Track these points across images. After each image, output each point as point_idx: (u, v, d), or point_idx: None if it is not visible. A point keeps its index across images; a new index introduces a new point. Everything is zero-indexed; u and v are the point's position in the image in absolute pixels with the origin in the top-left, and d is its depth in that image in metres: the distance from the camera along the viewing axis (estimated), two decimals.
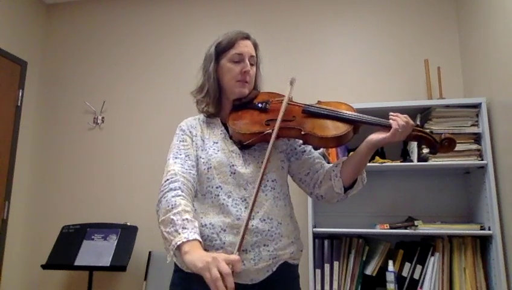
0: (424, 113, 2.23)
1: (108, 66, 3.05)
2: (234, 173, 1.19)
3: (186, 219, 1.06)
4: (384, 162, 2.18)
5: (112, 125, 2.95)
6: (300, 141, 1.30)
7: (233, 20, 2.88)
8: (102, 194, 2.84)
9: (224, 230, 1.14)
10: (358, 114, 1.19)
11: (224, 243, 1.13)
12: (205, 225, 1.16)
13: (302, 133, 1.17)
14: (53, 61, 3.17)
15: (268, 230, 1.16)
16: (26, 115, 2.99)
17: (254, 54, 1.31)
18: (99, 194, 2.85)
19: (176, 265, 1.23)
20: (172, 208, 1.08)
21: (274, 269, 1.16)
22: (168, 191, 1.13)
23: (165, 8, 3.05)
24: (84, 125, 2.99)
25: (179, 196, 1.11)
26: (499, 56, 2.02)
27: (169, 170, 1.19)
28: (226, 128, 1.29)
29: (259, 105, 1.27)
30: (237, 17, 2.89)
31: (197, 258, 0.96)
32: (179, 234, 1.03)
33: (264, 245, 1.15)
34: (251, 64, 1.29)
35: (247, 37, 1.31)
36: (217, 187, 1.18)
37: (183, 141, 1.27)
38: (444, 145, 1.15)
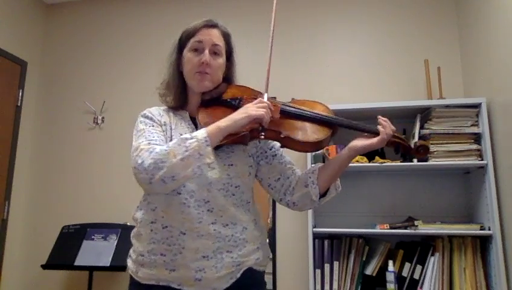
0: (424, 113, 2.23)
1: (109, 66, 3.05)
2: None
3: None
4: (384, 162, 2.18)
5: (112, 125, 2.95)
6: (272, 144, 1.23)
7: (233, 21, 2.86)
8: (102, 194, 2.84)
9: (184, 233, 1.05)
10: (337, 117, 1.13)
11: (183, 247, 1.05)
12: (166, 226, 1.07)
13: (282, 136, 1.09)
14: (53, 61, 3.17)
15: (232, 235, 1.08)
16: (26, 115, 2.99)
17: (219, 43, 1.19)
18: (99, 194, 2.84)
19: (131, 277, 1.14)
20: (167, 151, 0.98)
21: (238, 275, 1.09)
22: (149, 150, 1.00)
23: (165, 8, 3.05)
24: (84, 125, 2.99)
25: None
26: (499, 56, 2.02)
27: (142, 148, 1.03)
28: (194, 122, 1.20)
29: (233, 102, 1.16)
30: (236, 17, 2.89)
31: (232, 116, 1.03)
32: (192, 138, 0.99)
33: (228, 251, 1.07)
34: (215, 54, 1.18)
35: (214, 26, 1.20)
36: None
37: (153, 127, 1.12)
38: (420, 152, 1.18)
